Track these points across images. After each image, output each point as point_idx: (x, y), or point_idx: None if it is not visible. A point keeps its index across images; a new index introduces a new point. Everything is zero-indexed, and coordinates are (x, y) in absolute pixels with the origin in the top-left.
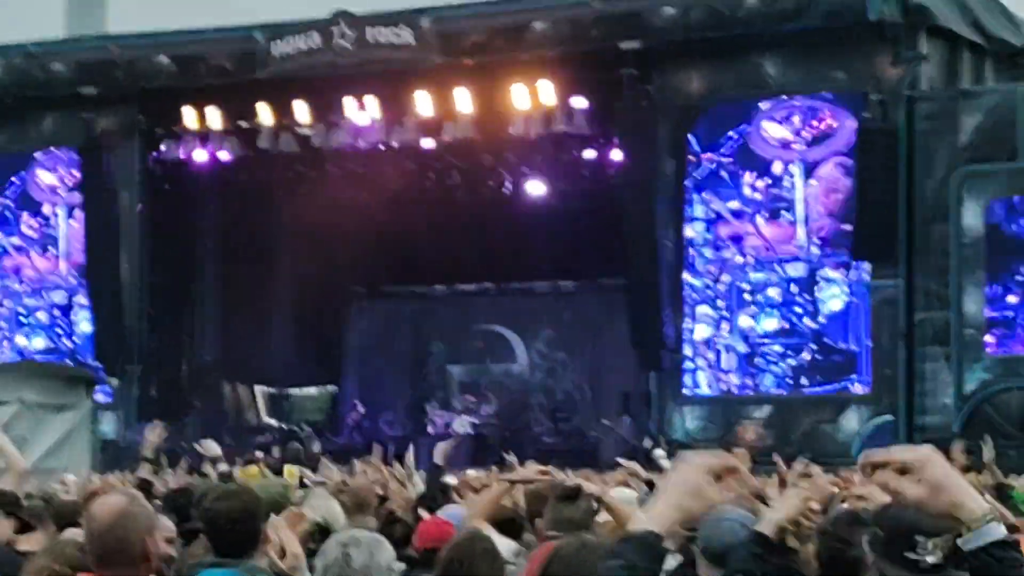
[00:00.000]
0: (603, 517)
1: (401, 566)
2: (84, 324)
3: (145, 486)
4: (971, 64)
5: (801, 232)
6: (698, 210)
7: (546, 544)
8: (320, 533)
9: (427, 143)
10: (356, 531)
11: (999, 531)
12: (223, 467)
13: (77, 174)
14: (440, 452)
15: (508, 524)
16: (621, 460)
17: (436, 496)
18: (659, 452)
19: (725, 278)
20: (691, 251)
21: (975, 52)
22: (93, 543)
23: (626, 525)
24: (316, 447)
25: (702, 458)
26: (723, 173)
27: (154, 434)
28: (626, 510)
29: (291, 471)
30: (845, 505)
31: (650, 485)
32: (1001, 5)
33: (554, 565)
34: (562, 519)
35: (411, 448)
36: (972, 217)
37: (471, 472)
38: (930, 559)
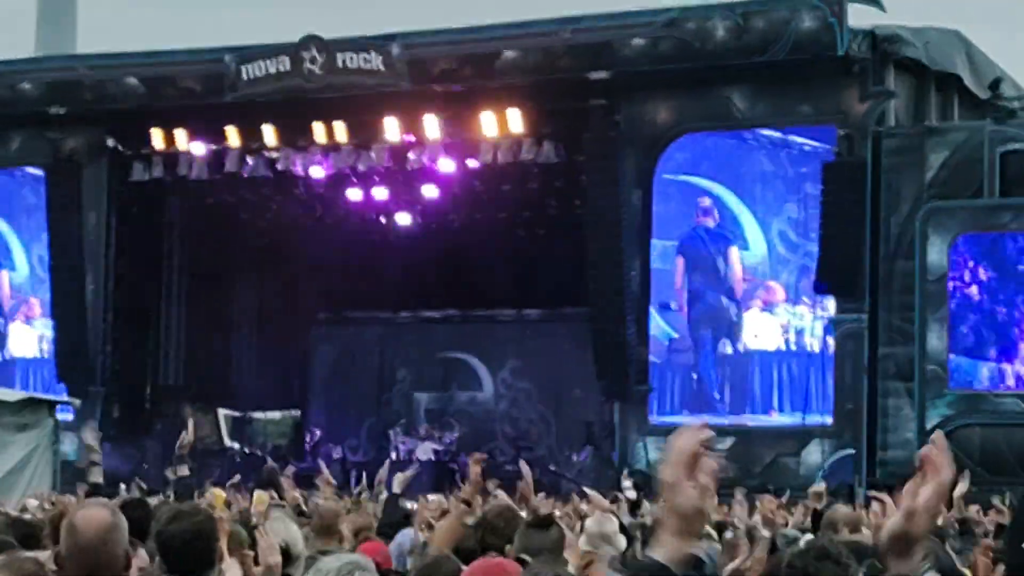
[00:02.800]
0: None
1: None
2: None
3: (96, 491)
4: (938, 100)
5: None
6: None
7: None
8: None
9: (394, 169)
10: (350, 556)
11: None
12: (184, 471)
13: None
14: (399, 481)
15: (470, 553)
16: (587, 491)
17: (394, 523)
18: (627, 484)
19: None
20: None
21: (942, 89)
22: (77, 557)
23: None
24: (288, 470)
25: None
26: None
27: (90, 436)
28: (571, 537)
29: (261, 497)
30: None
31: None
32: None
33: None
34: (533, 546)
35: (385, 465)
36: (937, 253)
37: (431, 497)
38: None
